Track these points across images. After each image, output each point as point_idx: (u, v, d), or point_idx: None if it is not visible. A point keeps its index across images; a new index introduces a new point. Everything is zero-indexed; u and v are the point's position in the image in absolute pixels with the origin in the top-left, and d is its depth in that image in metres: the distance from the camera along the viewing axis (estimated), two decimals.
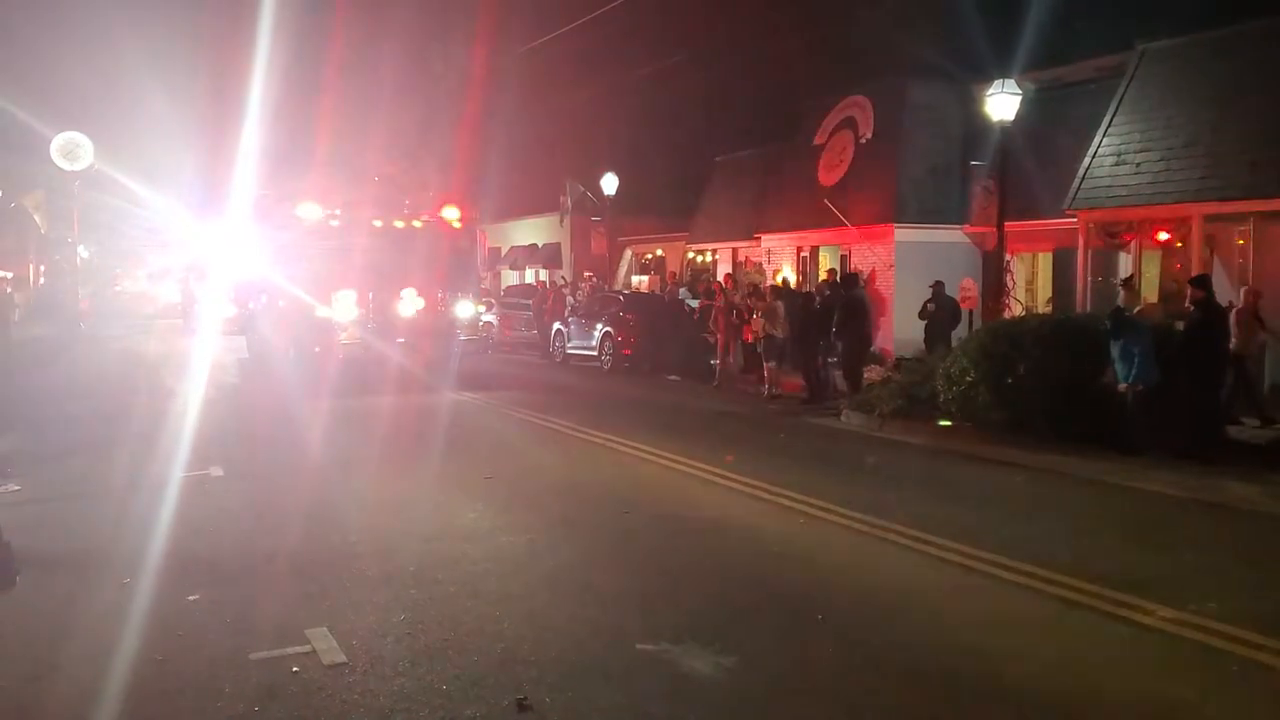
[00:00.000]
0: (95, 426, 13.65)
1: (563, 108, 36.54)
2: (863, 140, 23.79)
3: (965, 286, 19.30)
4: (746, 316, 18.41)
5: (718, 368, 19.63)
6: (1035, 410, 11.95)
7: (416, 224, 18.94)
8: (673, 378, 20.33)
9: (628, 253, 36.75)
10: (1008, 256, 18.33)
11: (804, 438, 13.70)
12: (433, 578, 7.00)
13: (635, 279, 35.40)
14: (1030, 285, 21.55)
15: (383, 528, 8.49)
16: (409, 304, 18.40)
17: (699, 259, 32.70)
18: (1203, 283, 11.82)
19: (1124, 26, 18.77)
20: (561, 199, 36.66)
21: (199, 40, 34.78)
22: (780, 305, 17.49)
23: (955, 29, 23.06)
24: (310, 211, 18.11)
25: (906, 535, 8.06)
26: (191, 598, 6.54)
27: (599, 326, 22.50)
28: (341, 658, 5.55)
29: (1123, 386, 11.31)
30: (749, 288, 20.45)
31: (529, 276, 39.41)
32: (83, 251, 37.92)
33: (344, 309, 18.04)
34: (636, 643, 5.78)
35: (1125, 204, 16.92)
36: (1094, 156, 17.62)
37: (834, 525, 8.54)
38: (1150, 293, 17.33)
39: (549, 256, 39.36)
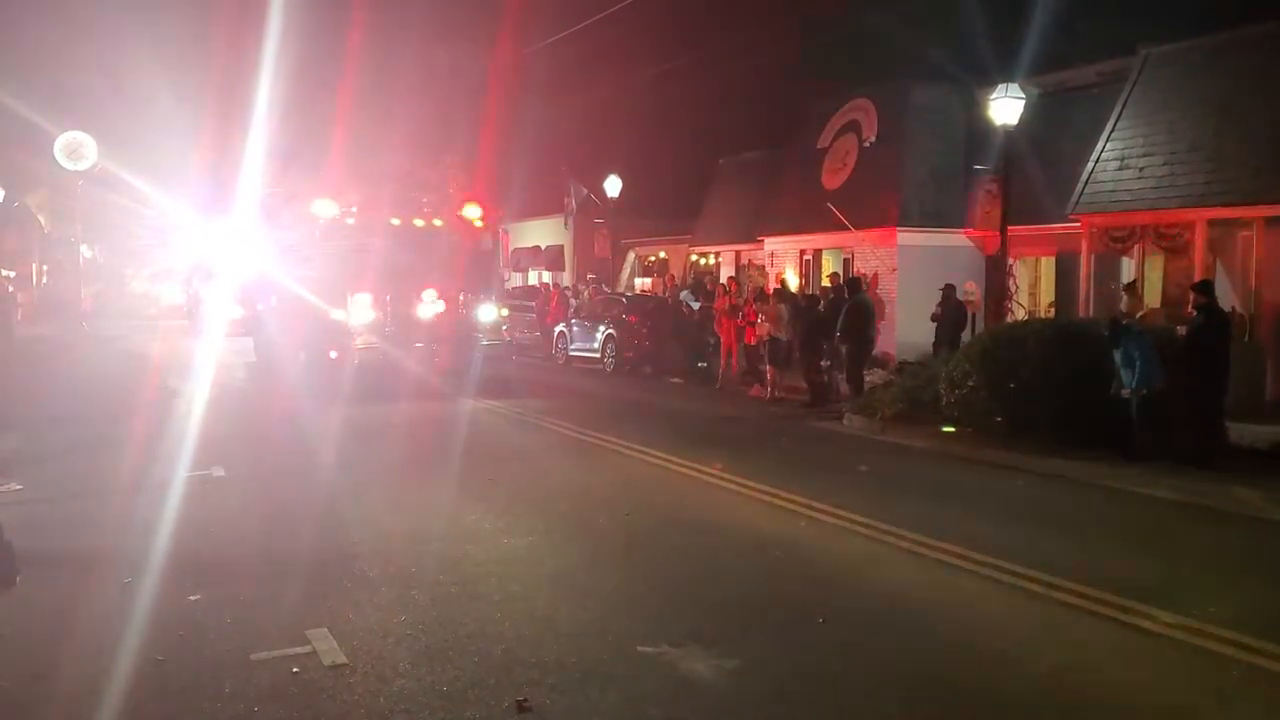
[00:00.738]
0: (97, 426, 13.64)
1: (567, 110, 36.57)
2: (866, 143, 23.78)
3: (968, 290, 19.30)
4: (752, 319, 18.39)
5: (719, 371, 19.61)
6: (1037, 415, 11.94)
7: (437, 223, 18.19)
8: (675, 380, 20.33)
9: (631, 255, 36.77)
10: (1010, 260, 18.31)
11: (806, 441, 13.69)
12: (434, 579, 7.00)
13: (638, 281, 35.41)
14: (1033, 289, 21.54)
15: (384, 529, 8.49)
16: (428, 307, 17.62)
17: (702, 261, 32.70)
18: (1205, 288, 11.80)
19: (1127, 30, 18.76)
20: (565, 201, 36.67)
21: (208, 34, 34.51)
22: (784, 308, 17.48)
23: (959, 33, 23.09)
24: (325, 209, 17.43)
25: (908, 539, 8.05)
26: (192, 598, 6.54)
27: (601, 328, 22.51)
28: (342, 658, 5.55)
29: (1125, 392, 11.29)
30: (754, 290, 20.42)
31: (531, 278, 39.42)
32: (86, 251, 37.92)
33: (359, 312, 17.22)
34: (638, 645, 5.78)
35: (1129, 208, 16.90)
36: (1097, 161, 17.61)
37: (835, 529, 8.53)
38: (1153, 297, 17.34)
39: (552, 258, 39.38)
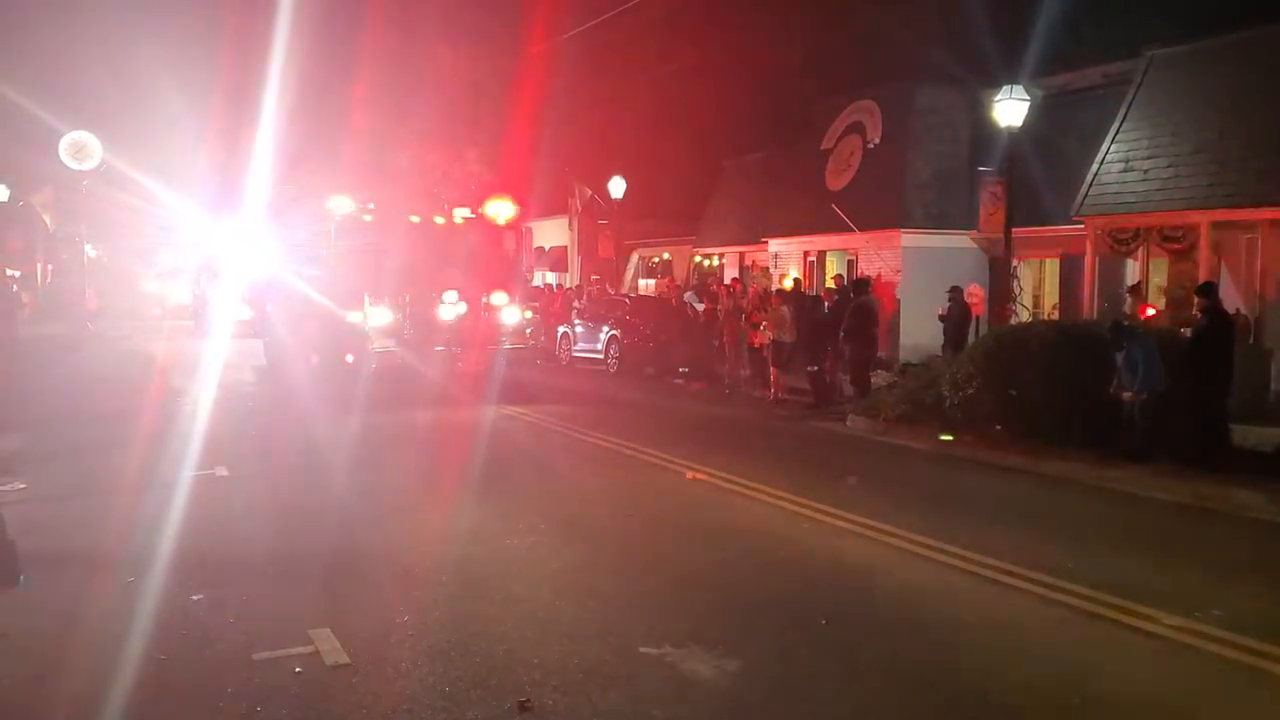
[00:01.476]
0: (100, 427, 13.65)
1: (571, 111, 36.55)
2: (870, 145, 23.77)
3: (972, 292, 19.30)
4: (757, 321, 18.38)
5: (728, 372, 19.58)
6: (1040, 417, 11.93)
7: (458, 220, 17.56)
8: (678, 381, 20.32)
9: (634, 256, 36.78)
10: (1014, 262, 18.31)
11: (808, 443, 13.68)
12: (436, 579, 7.00)
13: (642, 282, 35.41)
14: (1037, 291, 21.53)
15: (387, 529, 8.50)
16: (449, 309, 16.95)
17: (706, 263, 32.71)
18: (1208, 290, 11.78)
19: (1132, 33, 18.76)
20: (570, 201, 36.68)
21: (217, 26, 34.08)
22: (787, 310, 17.48)
23: (964, 34, 23.05)
24: (342, 205, 16.76)
25: (910, 540, 8.05)
26: (195, 597, 6.54)
27: (605, 329, 22.50)
28: (344, 658, 5.55)
29: (1127, 395, 11.28)
30: (760, 292, 20.37)
31: (535, 279, 39.41)
32: (90, 250, 37.95)
33: (377, 314, 16.57)
34: (639, 646, 5.78)
35: (1133, 210, 16.89)
36: (1102, 163, 17.60)
37: (838, 530, 8.52)
38: (1157, 299, 17.32)
39: (556, 259, 39.38)
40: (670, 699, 5.13)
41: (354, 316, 16.47)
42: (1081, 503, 10.03)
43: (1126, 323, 11.58)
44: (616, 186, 30.18)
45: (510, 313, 17.84)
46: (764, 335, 17.56)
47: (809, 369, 16.82)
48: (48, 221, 40.39)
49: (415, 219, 17.14)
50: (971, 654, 5.82)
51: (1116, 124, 17.61)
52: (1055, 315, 19.74)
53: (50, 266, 40.91)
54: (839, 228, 22.98)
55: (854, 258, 24.12)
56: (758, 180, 29.27)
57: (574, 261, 37.96)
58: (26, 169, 34.31)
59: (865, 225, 22.54)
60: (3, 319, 17.45)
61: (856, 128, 24.35)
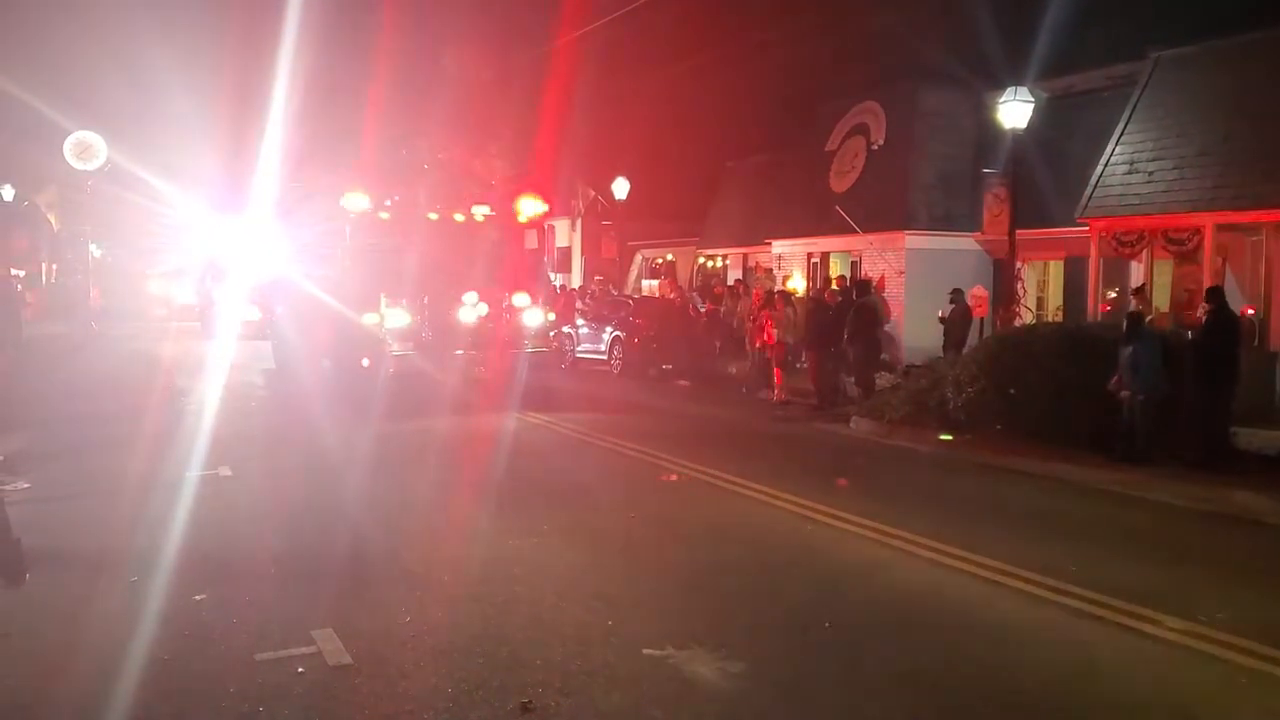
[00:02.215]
0: (105, 427, 13.65)
1: (575, 111, 36.55)
2: (874, 146, 23.77)
3: (976, 294, 19.29)
4: (763, 323, 18.36)
5: (741, 373, 19.53)
6: (1043, 419, 11.92)
7: (478, 218, 16.70)
8: (682, 383, 20.32)
9: (638, 257, 36.79)
10: (1018, 264, 18.29)
11: (812, 444, 13.66)
12: (439, 580, 7.00)
13: (645, 284, 35.42)
14: (1041, 293, 21.51)
15: (391, 530, 8.50)
16: (470, 311, 16.10)
17: (709, 264, 32.71)
18: (1215, 294, 11.76)
19: (1137, 34, 18.73)
20: (573, 203, 36.69)
21: (227, 19, 33.66)
22: (790, 312, 17.47)
23: (968, 36, 23.04)
24: (357, 202, 15.92)
25: (913, 542, 8.04)
26: (198, 597, 6.55)
27: (608, 330, 22.49)
28: (347, 659, 5.55)
29: (1124, 395, 11.27)
30: (766, 295, 20.33)
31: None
32: (95, 250, 37.93)
33: (394, 316, 15.72)
34: (642, 648, 5.77)
35: (1137, 212, 16.87)
36: (1106, 164, 17.57)
37: (841, 532, 8.52)
38: (1162, 301, 17.30)
39: (560, 260, 39.41)
40: (673, 701, 5.13)
41: (370, 318, 15.73)
42: (1084, 505, 10.01)
43: (1143, 322, 11.56)
44: (620, 187, 30.18)
45: (533, 315, 16.96)
46: (770, 332, 17.52)
47: (798, 365, 16.70)
48: (52, 221, 40.45)
49: (434, 216, 16.34)
50: (975, 656, 5.81)
51: (1121, 125, 17.59)
52: (1059, 317, 19.73)
53: (55, 266, 40.96)
54: (843, 229, 22.99)
55: (857, 259, 24.12)
56: (761, 181, 29.27)
57: (578, 262, 37.97)
58: (32, 167, 34.31)
59: (869, 227, 22.54)
60: (7, 319, 17.43)
61: (860, 129, 24.35)
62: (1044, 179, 18.64)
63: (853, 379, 16.87)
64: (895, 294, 22.00)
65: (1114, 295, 18.27)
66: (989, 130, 20.34)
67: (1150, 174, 16.87)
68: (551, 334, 19.13)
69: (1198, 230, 16.06)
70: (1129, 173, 17.21)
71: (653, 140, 34.86)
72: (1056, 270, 21.13)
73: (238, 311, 24.37)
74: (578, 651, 5.71)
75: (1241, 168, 15.59)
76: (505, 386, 16.04)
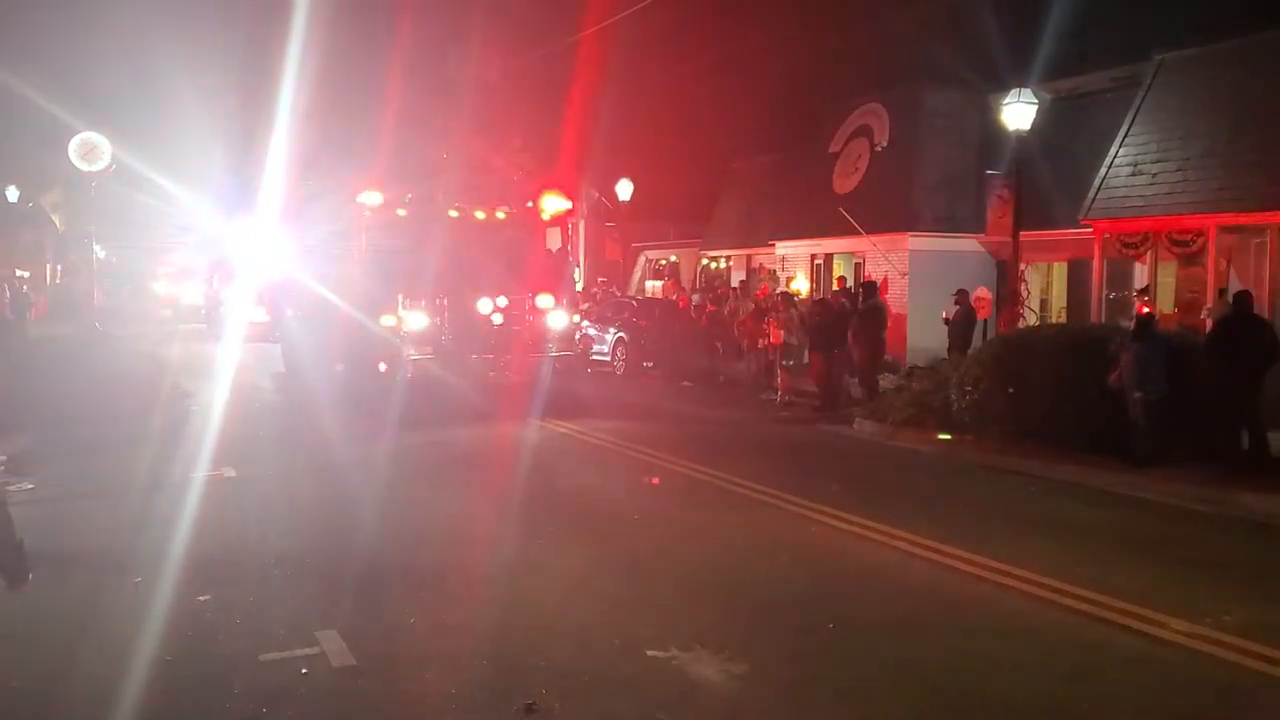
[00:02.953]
0: (109, 427, 13.64)
1: (578, 112, 36.55)
2: (878, 148, 23.77)
3: (980, 295, 19.28)
4: (768, 324, 18.37)
5: (746, 373, 19.53)
6: (1047, 420, 11.90)
7: (500, 215, 16.03)
8: (686, 383, 20.31)
9: (642, 258, 36.79)
10: (1022, 266, 18.28)
11: (816, 446, 13.65)
12: (443, 581, 7.01)
13: (649, 284, 35.43)
14: (1045, 295, 21.49)
15: (395, 531, 8.50)
16: (491, 313, 15.52)
17: (713, 265, 32.72)
18: (1239, 299, 11.70)
19: (1141, 36, 18.72)
20: (575, 204, 36.64)
21: (237, 12, 33.26)
22: (794, 313, 17.47)
23: (972, 37, 23.05)
24: (372, 199, 15.16)
25: (917, 544, 8.03)
26: (202, 598, 6.55)
27: (612, 331, 22.50)
28: (351, 660, 5.55)
29: (1138, 395, 11.25)
30: (774, 295, 20.32)
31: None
32: (99, 251, 37.91)
33: (412, 318, 15.07)
34: (646, 649, 5.77)
35: (1141, 214, 16.86)
36: (1110, 166, 17.57)
37: (845, 534, 8.51)
38: (1166, 303, 17.28)
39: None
40: (677, 702, 5.13)
41: (387, 321, 15.08)
42: (1090, 506, 9.99)
43: (1153, 323, 11.57)
44: (624, 189, 30.19)
45: (558, 317, 16.23)
46: (776, 333, 17.52)
47: (781, 363, 16.63)
48: (56, 222, 40.48)
49: (454, 214, 15.60)
50: (979, 658, 5.80)
51: (1125, 127, 17.58)
52: (1063, 319, 19.72)
53: (59, 267, 40.98)
54: (846, 231, 22.98)
55: (861, 261, 24.11)
56: (765, 183, 29.28)
57: (581, 263, 37.95)
58: (38, 168, 34.30)
59: (873, 228, 22.53)
60: (12, 319, 17.42)
61: (864, 131, 24.36)
62: (1048, 181, 18.63)
63: (857, 380, 16.86)
64: (899, 295, 21.99)
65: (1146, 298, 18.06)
66: (993, 132, 20.34)
67: (1154, 176, 16.86)
68: (577, 336, 18.43)
69: (1201, 232, 16.05)
70: (1133, 174, 17.20)
71: (657, 141, 34.90)
72: (1060, 272, 21.11)
73: (245, 313, 24.07)
74: (582, 653, 5.71)
75: (1245, 170, 15.58)
76: (526, 391, 15.46)
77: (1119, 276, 18.53)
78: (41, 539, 7.37)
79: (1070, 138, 19.33)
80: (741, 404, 17.74)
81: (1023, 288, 19.14)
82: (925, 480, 11.32)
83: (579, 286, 26.26)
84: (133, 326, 32.61)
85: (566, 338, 16.62)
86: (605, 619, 6.32)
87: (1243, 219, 15.57)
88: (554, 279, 16.52)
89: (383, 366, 15.10)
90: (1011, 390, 12.27)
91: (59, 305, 32.72)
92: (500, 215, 16.05)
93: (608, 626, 6.17)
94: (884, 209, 22.72)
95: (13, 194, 35.50)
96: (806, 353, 17.89)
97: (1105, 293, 18.20)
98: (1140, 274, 17.94)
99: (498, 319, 15.54)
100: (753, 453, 12.65)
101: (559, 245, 17.05)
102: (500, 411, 14.90)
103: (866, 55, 27.29)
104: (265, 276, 21.48)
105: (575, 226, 18.59)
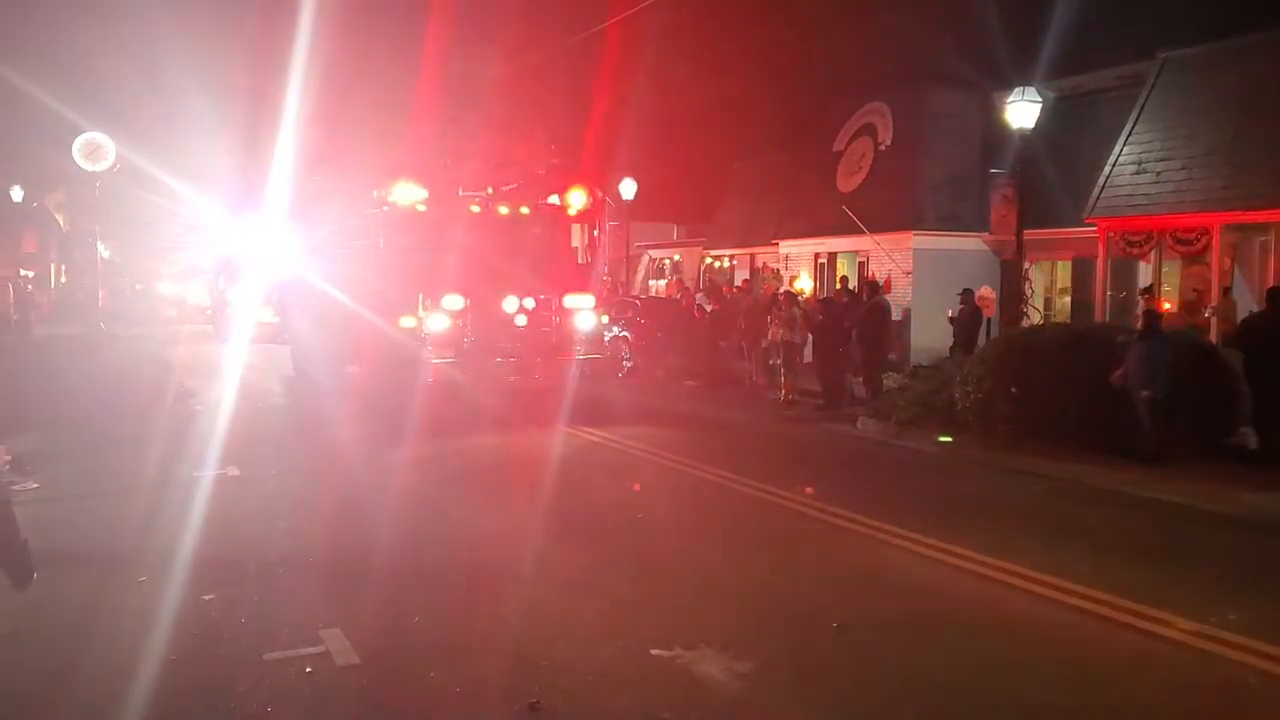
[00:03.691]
0: (113, 428, 13.65)
1: (581, 112, 36.55)
2: (882, 147, 23.73)
3: (984, 294, 19.27)
4: (771, 323, 18.34)
5: (746, 373, 19.51)
6: (1052, 419, 11.88)
7: (524, 211, 15.28)
8: (689, 383, 20.30)
9: (645, 258, 36.78)
10: (1026, 265, 18.25)
11: (820, 445, 13.64)
12: (446, 580, 7.01)
13: (653, 284, 35.42)
14: (1049, 294, 21.45)
15: (399, 530, 8.51)
16: (516, 314, 14.97)
17: (716, 264, 32.70)
18: (1273, 296, 11.67)
19: (1145, 34, 18.69)
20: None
21: (244, 5, 32.87)
22: (797, 311, 17.46)
23: (976, 36, 23.01)
24: (391, 194, 14.57)
25: (922, 543, 8.02)
26: (207, 597, 6.56)
27: (614, 330, 22.47)
28: (355, 659, 5.56)
29: (1146, 394, 11.23)
30: (780, 295, 20.27)
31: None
32: (104, 250, 37.94)
33: (433, 320, 14.45)
34: (650, 648, 5.77)
35: (1145, 213, 16.83)
36: (1114, 165, 17.54)
37: (849, 532, 8.51)
38: (1170, 301, 17.26)
39: None
40: (681, 701, 5.12)
41: (407, 322, 14.54)
42: (1094, 506, 9.97)
43: (1160, 321, 11.57)
44: (627, 188, 30.17)
45: (585, 318, 15.56)
46: (776, 332, 17.50)
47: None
48: (60, 221, 40.49)
49: (476, 209, 14.87)
50: (984, 658, 5.79)
51: (1129, 126, 17.56)
52: (1067, 317, 19.69)
53: (64, 266, 41.00)
54: (850, 230, 22.95)
55: (865, 260, 24.08)
56: (769, 182, 29.24)
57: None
58: (42, 167, 34.27)
59: (876, 227, 22.50)
60: (16, 318, 17.37)
61: (868, 129, 24.32)
62: (1052, 179, 18.60)
63: (860, 379, 16.86)
64: (902, 294, 21.97)
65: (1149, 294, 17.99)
66: (997, 130, 20.32)
67: (1158, 174, 16.83)
68: (607, 338, 17.69)
69: (1206, 230, 16.02)
70: (1137, 173, 17.18)
71: (660, 141, 34.88)
72: (1064, 270, 21.07)
73: (253, 313, 23.75)
74: (586, 651, 5.71)
75: (1249, 168, 15.55)
76: (550, 396, 15.05)
77: (1123, 275, 18.50)
78: (46, 538, 7.39)
79: (1074, 136, 19.30)
80: (744, 403, 17.73)
81: (1026, 286, 19.11)
82: (929, 480, 11.31)
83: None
84: (138, 327, 32.65)
85: (595, 339, 16.06)
86: (609, 617, 6.31)
87: (1247, 217, 15.54)
88: (583, 279, 15.86)
89: (403, 370, 14.55)
90: (1015, 389, 12.26)
91: (64, 305, 32.74)
92: (524, 211, 15.35)
93: (612, 625, 6.17)
94: (888, 208, 22.69)
95: (17, 193, 35.50)
96: (810, 351, 17.86)
97: (1109, 291, 18.17)
98: (1144, 273, 17.92)
99: (521, 320, 15.03)
100: (755, 452, 12.65)
101: (585, 242, 16.29)
102: (522, 419, 14.43)
103: (870, 54, 27.25)
104: (274, 276, 21.09)
105: (602, 223, 17.46)
